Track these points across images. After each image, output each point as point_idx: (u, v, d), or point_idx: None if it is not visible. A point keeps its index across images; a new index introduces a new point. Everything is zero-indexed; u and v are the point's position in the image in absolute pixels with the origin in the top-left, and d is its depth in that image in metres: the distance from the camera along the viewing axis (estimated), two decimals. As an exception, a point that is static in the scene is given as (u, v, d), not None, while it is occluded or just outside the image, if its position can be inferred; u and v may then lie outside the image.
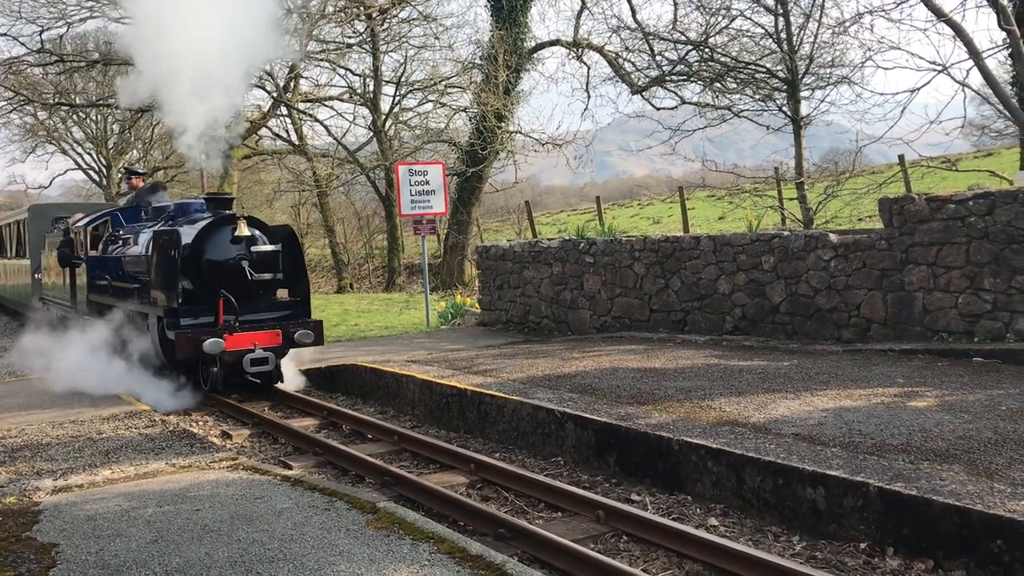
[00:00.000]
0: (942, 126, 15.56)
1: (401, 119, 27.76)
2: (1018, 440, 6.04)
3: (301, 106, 28.91)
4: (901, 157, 17.42)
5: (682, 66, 20.12)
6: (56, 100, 34.40)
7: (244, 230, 10.34)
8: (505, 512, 6.37)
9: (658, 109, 21.89)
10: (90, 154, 46.05)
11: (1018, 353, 8.66)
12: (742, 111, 18.37)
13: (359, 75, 28.34)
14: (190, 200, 12.61)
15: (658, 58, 20.96)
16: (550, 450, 7.99)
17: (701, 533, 5.62)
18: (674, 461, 6.76)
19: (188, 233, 10.40)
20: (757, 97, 18.38)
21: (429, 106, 27.36)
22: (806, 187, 16.83)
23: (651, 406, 7.83)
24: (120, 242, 12.91)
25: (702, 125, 18.91)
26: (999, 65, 16.26)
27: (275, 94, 28.05)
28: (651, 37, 20.98)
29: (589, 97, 24.58)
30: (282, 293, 11.55)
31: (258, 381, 10.96)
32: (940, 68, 13.69)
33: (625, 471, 7.21)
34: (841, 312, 10.55)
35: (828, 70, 17.16)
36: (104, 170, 44.99)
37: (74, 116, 42.22)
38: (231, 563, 4.70)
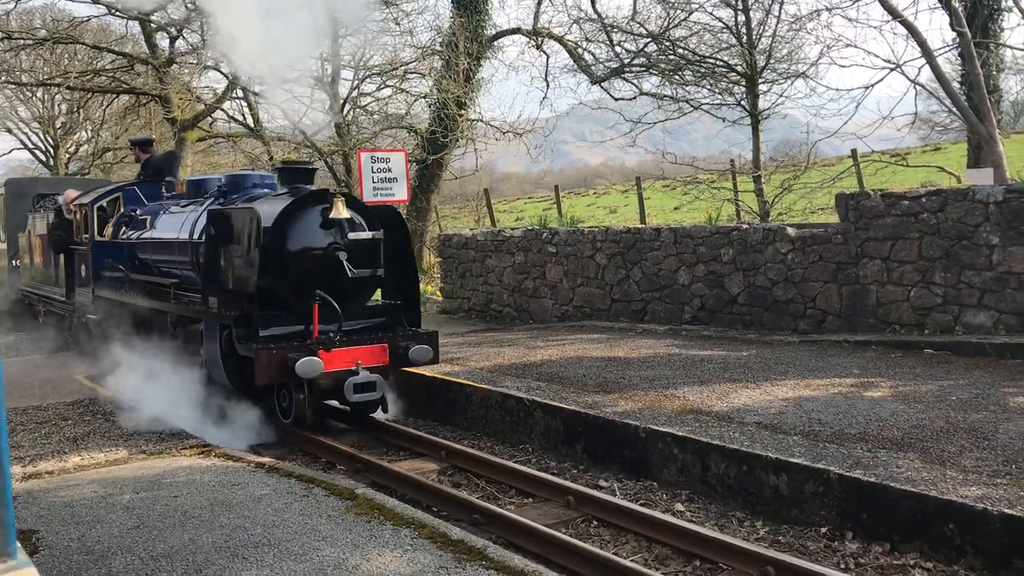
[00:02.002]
0: (894, 122, 16.02)
1: (360, 104, 27.63)
2: (968, 429, 6.35)
3: (257, 88, 28.60)
4: (854, 152, 17.83)
5: (641, 58, 20.34)
6: (3, 79, 33.61)
7: (342, 211, 7.93)
8: (478, 498, 6.52)
9: (617, 100, 22.09)
10: (36, 134, 45.07)
11: (966, 345, 9.02)
12: (701, 104, 18.65)
13: (316, 58, 28.11)
14: (245, 172, 10.44)
15: (617, 49, 21.16)
16: (519, 437, 8.16)
17: (668, 518, 5.84)
18: (641, 448, 6.97)
19: (266, 215, 7.84)
20: (716, 90, 18.67)
21: (388, 91, 27.25)
22: (763, 180, 17.18)
23: (617, 394, 8.04)
24: (137, 224, 10.85)
25: (662, 118, 19.16)
26: (950, 64, 16.73)
27: (231, 76, 27.73)
28: (611, 28, 21.16)
29: (548, 86, 24.70)
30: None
31: (338, 404, 8.85)
32: (894, 66, 14.05)
33: (593, 458, 7.40)
34: (798, 304, 10.86)
35: (786, 65, 17.51)
36: (51, 150, 44.07)
37: (20, 95, 41.26)
38: (216, 548, 4.79)
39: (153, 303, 9.89)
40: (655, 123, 19.42)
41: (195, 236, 9.02)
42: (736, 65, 17.75)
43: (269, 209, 7.95)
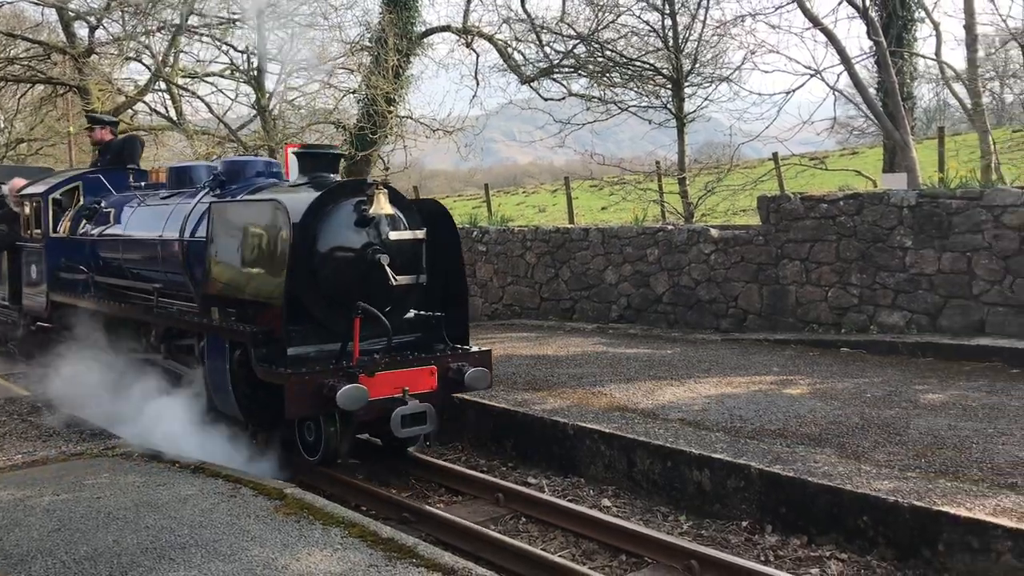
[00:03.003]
0: (814, 126, 16.51)
1: (286, 99, 27.26)
2: (882, 425, 6.61)
3: (180, 81, 28.03)
4: (775, 155, 18.31)
5: (570, 59, 20.53)
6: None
7: (384, 206, 6.57)
8: (407, 497, 6.55)
9: (546, 100, 22.26)
10: (-55, 123, 43.30)
11: (880, 344, 9.37)
12: (629, 107, 18.92)
13: (242, 52, 27.67)
14: (246, 158, 9.15)
15: (547, 50, 21.33)
16: (449, 436, 8.19)
17: (595, 513, 5.95)
18: (569, 445, 7.07)
19: (291, 210, 6.39)
20: (643, 93, 18.96)
21: (316, 86, 26.96)
22: (687, 182, 17.52)
23: (546, 392, 8.14)
24: (101, 218, 9.49)
25: (590, 119, 19.39)
26: (867, 72, 17.28)
27: (153, 68, 27.11)
28: (540, 28, 21.31)
29: (478, 85, 24.77)
30: None
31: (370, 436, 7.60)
32: (814, 72, 14.50)
33: (522, 455, 7.48)
34: (720, 303, 11.12)
35: (710, 69, 17.88)
36: (-39, 140, 42.39)
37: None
38: (142, 550, 4.72)
39: (128, 311, 8.45)
40: (583, 124, 19.63)
41: (188, 234, 7.62)
42: (663, 68, 18.06)
43: (293, 202, 6.48)
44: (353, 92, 25.44)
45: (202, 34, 26.58)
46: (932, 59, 16.46)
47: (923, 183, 12.03)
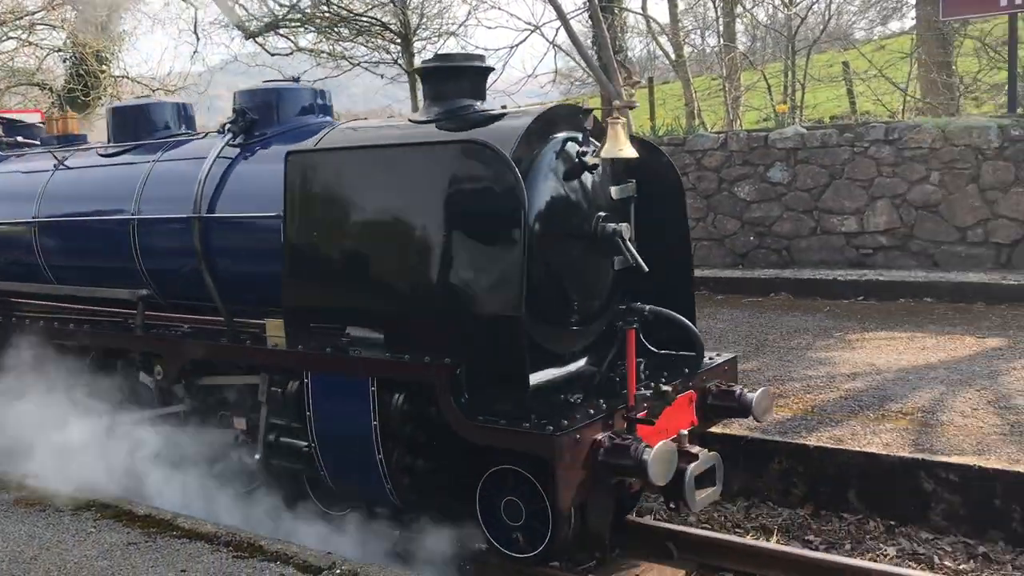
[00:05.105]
0: (538, 79, 17.36)
1: (-21, 58, 24.64)
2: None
3: None
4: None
5: (296, 12, 20.11)
6: None
7: (622, 144, 4.27)
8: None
9: (273, 55, 21.69)
10: None
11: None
12: (360, 62, 18.89)
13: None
14: (283, 84, 5.67)
15: (271, 4, 20.73)
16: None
17: None
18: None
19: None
20: (372, 47, 19.00)
21: (12, 44, 24.56)
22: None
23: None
24: None
25: (321, 75, 19.18)
26: (583, 27, 18.32)
27: None
28: (263, -19, 20.66)
29: (199, 40, 23.64)
30: None
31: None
32: (534, 27, 15.22)
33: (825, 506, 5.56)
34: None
35: (438, 23, 18.23)
36: None
37: None
38: None
39: (107, 339, 5.76)
40: (315, 81, 19.36)
41: (205, 208, 5.12)
42: (390, 23, 18.17)
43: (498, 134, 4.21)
44: (59, 51, 23.46)
45: None
46: (639, 13, 17.74)
47: (636, 131, 13.06)
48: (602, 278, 4.62)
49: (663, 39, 19.19)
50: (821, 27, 18.43)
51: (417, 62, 18.15)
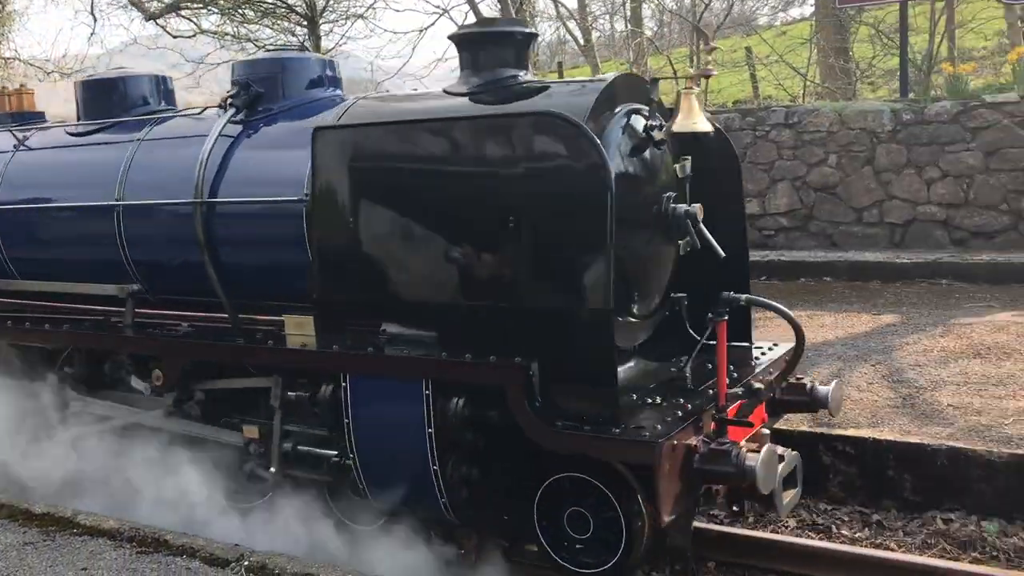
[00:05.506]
0: (448, 63, 17.31)
1: None
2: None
3: None
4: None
5: (198, -7, 19.57)
6: None
7: (695, 117, 3.96)
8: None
9: (175, 37, 21.08)
10: None
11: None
12: (265, 45, 18.48)
13: None
14: (288, 53, 5.06)
15: (171, -17, 20.12)
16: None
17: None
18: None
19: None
20: (278, 30, 18.63)
21: None
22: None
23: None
24: None
25: (226, 58, 18.72)
26: (492, 11, 18.30)
27: None
28: (162, -40, 20.02)
29: (96, 21, 22.79)
30: None
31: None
32: (442, 11, 15.17)
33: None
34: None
35: (345, 5, 17.97)
36: None
37: None
38: None
39: (87, 339, 5.18)
40: (219, 64, 18.90)
41: (207, 192, 4.59)
42: (296, 5, 17.83)
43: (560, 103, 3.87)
44: (-59, 31, 22.32)
45: None
46: (549, -2, 17.80)
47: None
48: (666, 264, 4.26)
49: (572, 24, 19.30)
50: (725, 13, 18.81)
51: (326, 44, 17.88)
